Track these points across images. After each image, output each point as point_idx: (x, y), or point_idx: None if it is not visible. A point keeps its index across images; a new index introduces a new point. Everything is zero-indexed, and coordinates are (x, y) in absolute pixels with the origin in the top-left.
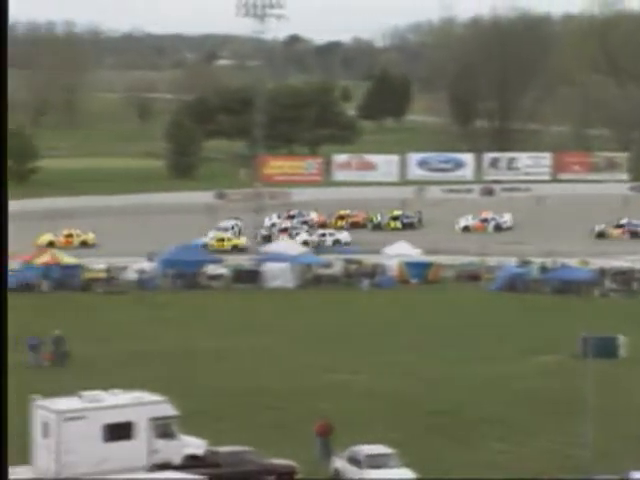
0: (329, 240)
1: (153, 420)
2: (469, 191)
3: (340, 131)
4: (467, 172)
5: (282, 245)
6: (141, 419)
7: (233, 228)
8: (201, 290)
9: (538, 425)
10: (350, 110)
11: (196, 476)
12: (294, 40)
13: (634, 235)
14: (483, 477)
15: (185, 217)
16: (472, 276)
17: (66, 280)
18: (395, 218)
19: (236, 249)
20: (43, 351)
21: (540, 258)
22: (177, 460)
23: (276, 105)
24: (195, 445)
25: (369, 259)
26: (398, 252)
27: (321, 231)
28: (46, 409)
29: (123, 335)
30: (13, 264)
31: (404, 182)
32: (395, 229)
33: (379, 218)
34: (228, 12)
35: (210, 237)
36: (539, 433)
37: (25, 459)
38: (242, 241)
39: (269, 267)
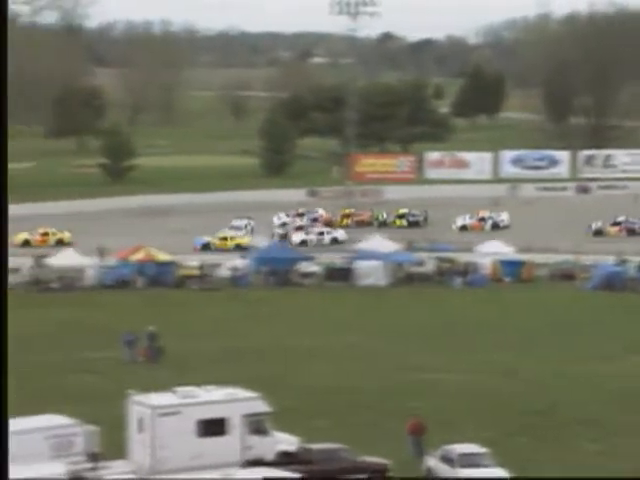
0: (327, 238)
1: (246, 416)
2: (564, 189)
3: (433, 129)
4: (562, 170)
5: (374, 243)
6: (234, 415)
7: (246, 227)
8: (293, 287)
9: (634, 426)
10: (443, 107)
11: (289, 473)
12: (387, 38)
13: (631, 233)
14: (576, 477)
15: (275, 215)
16: (566, 275)
17: (160, 277)
18: (401, 216)
19: (239, 248)
20: (138, 347)
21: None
22: (270, 456)
23: (369, 103)
24: (288, 442)
25: (462, 257)
26: (491, 250)
27: (318, 229)
28: (141, 404)
29: (216, 332)
30: (109, 261)
31: (497, 180)
32: (401, 227)
33: (385, 216)
34: (322, 10)
35: (214, 236)
36: (634, 434)
37: (121, 454)
38: (246, 240)
39: (361, 265)
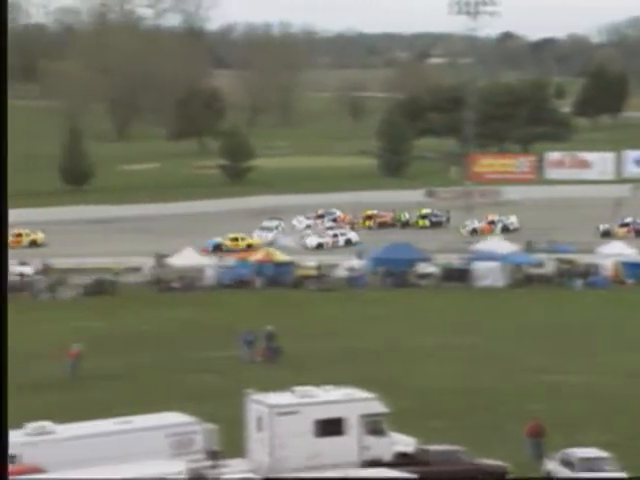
0: (341, 240)
1: (364, 417)
2: None
3: (553, 128)
4: None
5: (492, 244)
6: (352, 415)
7: (277, 227)
8: (410, 288)
9: None
10: (564, 107)
11: (407, 474)
12: (507, 37)
13: (639, 233)
14: None
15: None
16: None
17: (279, 277)
18: (423, 217)
19: (249, 248)
20: (256, 347)
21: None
22: (387, 457)
23: (488, 103)
24: (405, 443)
25: (582, 259)
26: (613, 252)
27: (332, 231)
28: (260, 403)
29: (333, 332)
30: (228, 261)
31: (620, 180)
32: (423, 227)
33: (407, 216)
34: (441, 10)
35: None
36: None
37: (240, 452)
38: (256, 240)
39: (479, 266)
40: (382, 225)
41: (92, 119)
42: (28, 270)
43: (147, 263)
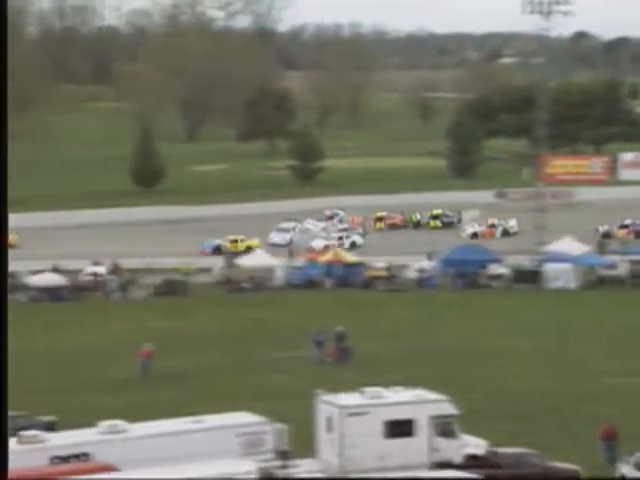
0: (346, 243)
1: (434, 418)
2: None
3: (627, 129)
4: None
5: (563, 245)
6: (422, 417)
7: (294, 229)
8: (480, 290)
9: None
10: (638, 107)
11: (477, 476)
12: (580, 37)
13: (639, 235)
14: None
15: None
16: None
17: (348, 278)
18: (435, 217)
19: (251, 250)
20: (326, 347)
21: None
22: (458, 459)
23: (560, 103)
24: (475, 445)
25: None
26: None
27: (338, 234)
28: (330, 404)
29: (403, 333)
30: (297, 261)
31: None
32: (435, 228)
33: (418, 217)
34: (513, 10)
35: (225, 238)
36: None
37: (309, 452)
38: (255, 242)
39: (550, 267)
40: (392, 227)
41: (163, 120)
42: (101, 270)
43: (217, 263)
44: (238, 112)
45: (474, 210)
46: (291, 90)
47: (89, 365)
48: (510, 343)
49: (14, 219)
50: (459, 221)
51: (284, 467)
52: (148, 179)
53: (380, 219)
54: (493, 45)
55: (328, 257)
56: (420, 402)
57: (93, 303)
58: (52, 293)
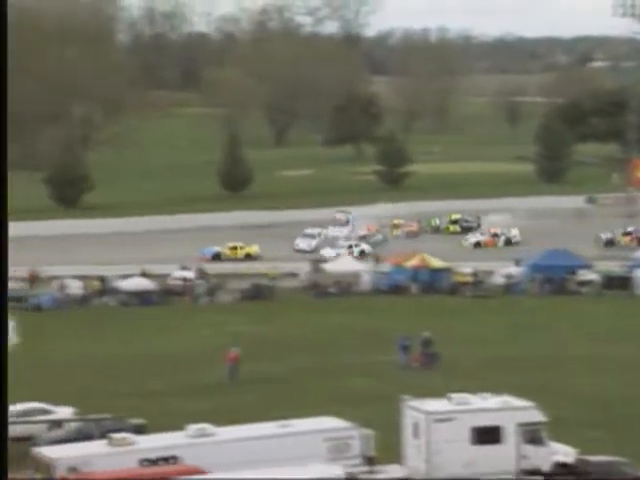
0: (356, 251)
1: (521, 425)
2: None
3: None
4: None
5: None
6: (509, 424)
7: (319, 235)
8: (569, 296)
9: None
10: None
11: None
12: None
13: None
14: None
15: (552, 222)
16: None
17: (435, 283)
18: (454, 222)
19: (249, 257)
20: (412, 352)
21: None
22: (546, 467)
23: None
24: (564, 452)
25: None
26: None
27: (347, 243)
28: (417, 410)
29: (490, 339)
30: (383, 266)
31: None
32: (454, 233)
33: (437, 222)
34: (603, 13)
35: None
36: None
37: (395, 458)
38: (254, 249)
39: None
40: (410, 234)
41: (251, 125)
42: (190, 274)
43: (304, 268)
44: (325, 117)
45: (503, 214)
46: (378, 95)
47: (177, 369)
48: (600, 350)
49: (111, 224)
50: (478, 226)
51: (370, 472)
52: (236, 184)
53: (397, 226)
54: (583, 49)
55: (414, 262)
56: (508, 409)
57: (181, 307)
58: (141, 297)
